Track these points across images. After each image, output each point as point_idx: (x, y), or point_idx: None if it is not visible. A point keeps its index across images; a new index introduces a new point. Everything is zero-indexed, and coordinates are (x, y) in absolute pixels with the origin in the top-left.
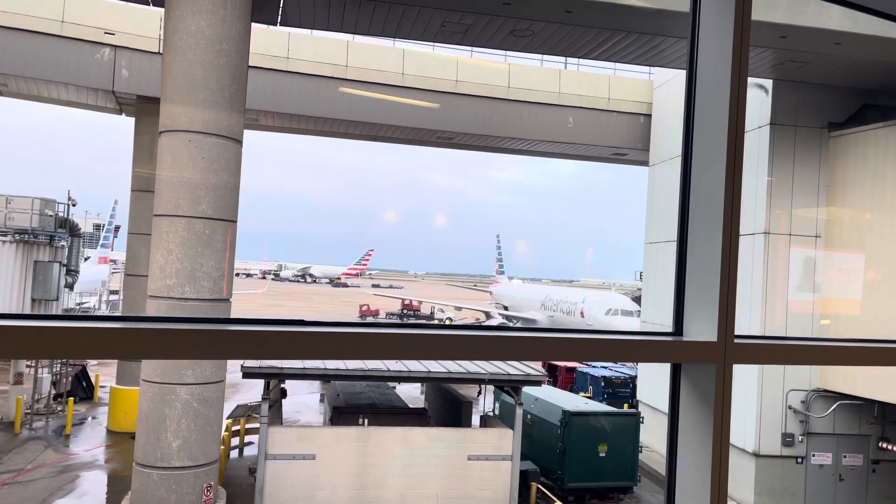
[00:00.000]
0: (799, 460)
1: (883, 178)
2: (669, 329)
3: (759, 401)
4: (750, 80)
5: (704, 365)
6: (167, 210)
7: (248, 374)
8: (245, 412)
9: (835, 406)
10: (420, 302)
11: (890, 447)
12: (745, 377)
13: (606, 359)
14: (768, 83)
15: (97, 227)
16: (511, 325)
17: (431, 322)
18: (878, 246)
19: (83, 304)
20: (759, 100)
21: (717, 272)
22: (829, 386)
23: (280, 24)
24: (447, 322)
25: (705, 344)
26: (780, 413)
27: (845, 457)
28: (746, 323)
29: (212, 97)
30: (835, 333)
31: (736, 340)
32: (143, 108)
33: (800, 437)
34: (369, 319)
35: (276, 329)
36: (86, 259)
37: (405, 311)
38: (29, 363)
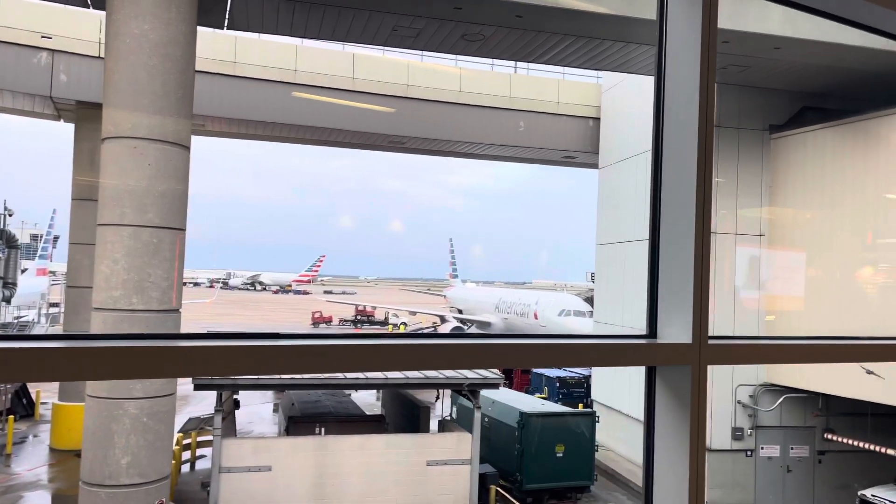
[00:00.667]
0: (748, 453)
1: (822, 177)
2: (613, 325)
3: (710, 396)
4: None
5: (679, 367)
6: (112, 219)
7: (199, 385)
8: (197, 425)
9: (781, 400)
10: (374, 307)
11: (835, 438)
12: None
13: (581, 364)
14: None
15: (34, 237)
16: (467, 329)
17: (386, 328)
18: (818, 243)
19: (21, 317)
20: None
21: (690, 274)
22: (776, 380)
23: (227, 28)
24: (402, 327)
25: (680, 346)
26: (730, 408)
27: (792, 448)
28: None
29: (157, 102)
30: (780, 330)
31: (710, 342)
32: (84, 114)
33: (749, 431)
34: (322, 326)
35: (235, 344)
36: (23, 271)
37: (359, 318)
38: None
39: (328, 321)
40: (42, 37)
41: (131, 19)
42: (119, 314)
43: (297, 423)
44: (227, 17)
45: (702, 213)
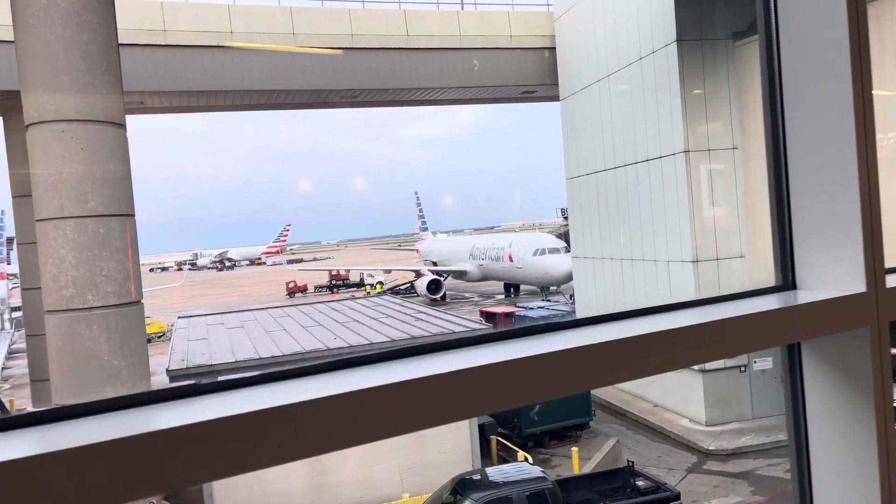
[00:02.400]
0: (742, 369)
1: None
2: (593, 258)
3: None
4: None
5: (848, 333)
6: (50, 213)
7: (175, 377)
8: None
9: None
10: (348, 271)
11: None
12: (678, 294)
13: (691, 364)
14: None
15: None
16: (444, 280)
17: (363, 290)
18: None
19: None
20: (662, 16)
21: (855, 194)
22: None
23: None
24: (378, 287)
25: (844, 300)
26: None
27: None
28: (678, 249)
29: (80, 78)
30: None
31: (889, 285)
32: (11, 105)
33: None
34: (298, 295)
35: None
36: None
37: (334, 282)
38: None
39: (303, 290)
40: None
41: None
42: (74, 314)
43: None
44: None
45: (862, 110)
